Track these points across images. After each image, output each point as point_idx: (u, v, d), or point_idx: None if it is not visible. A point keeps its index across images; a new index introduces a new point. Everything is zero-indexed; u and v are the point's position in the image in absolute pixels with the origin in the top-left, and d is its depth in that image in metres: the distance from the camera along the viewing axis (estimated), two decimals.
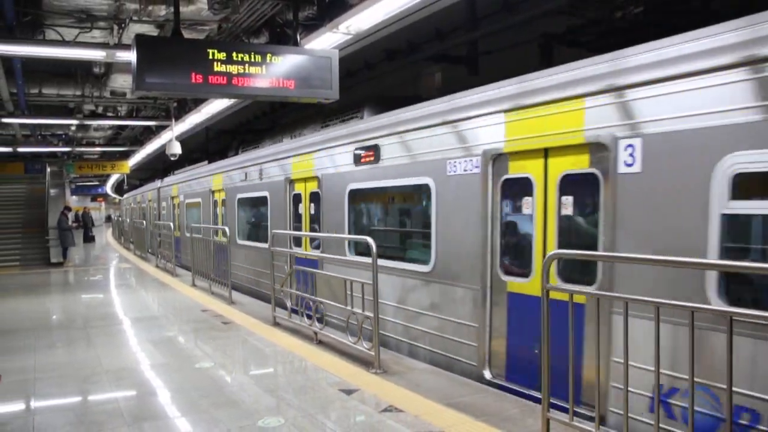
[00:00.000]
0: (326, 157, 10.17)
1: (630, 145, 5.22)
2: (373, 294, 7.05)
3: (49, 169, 26.05)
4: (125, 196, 43.98)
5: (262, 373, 7.37)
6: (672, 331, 4.76)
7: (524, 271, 6.53)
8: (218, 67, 6.98)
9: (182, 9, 7.96)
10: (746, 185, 4.44)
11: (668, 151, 4.91)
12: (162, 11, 8.52)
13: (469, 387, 6.42)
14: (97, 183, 51.73)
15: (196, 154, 24.27)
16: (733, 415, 3.98)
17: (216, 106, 13.03)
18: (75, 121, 17.36)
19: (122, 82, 12.73)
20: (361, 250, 9.28)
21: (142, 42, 6.68)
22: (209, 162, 18.79)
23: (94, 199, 66.53)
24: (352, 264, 9.08)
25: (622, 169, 5.28)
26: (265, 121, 19.84)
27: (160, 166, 34.44)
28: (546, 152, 6.11)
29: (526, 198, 6.38)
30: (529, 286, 6.42)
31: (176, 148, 15.94)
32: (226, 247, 12.41)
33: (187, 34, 8.46)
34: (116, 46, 8.96)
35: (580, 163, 5.77)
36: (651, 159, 5.06)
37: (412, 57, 11.70)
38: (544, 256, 6.07)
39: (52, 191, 25.45)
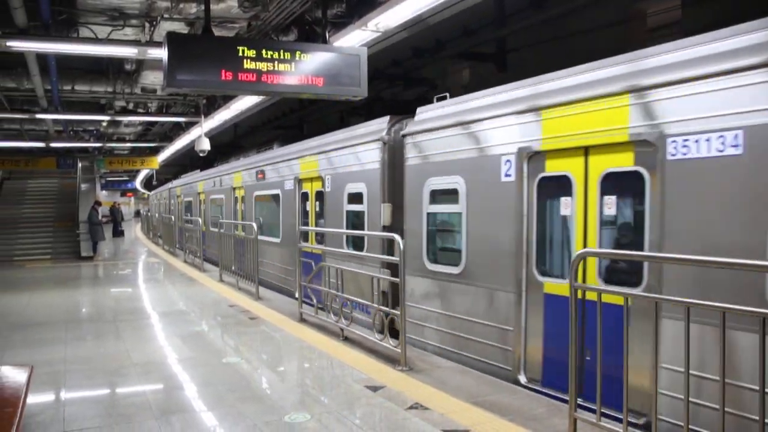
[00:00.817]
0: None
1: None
2: (401, 292, 7.06)
3: (80, 164, 26.40)
4: (153, 191, 44.45)
5: (288, 369, 7.42)
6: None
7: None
8: (248, 65, 7.01)
9: (213, 7, 8.02)
10: None
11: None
12: (193, 9, 8.59)
13: (496, 385, 6.40)
14: (126, 178, 52.24)
15: (224, 149, 24.46)
16: None
17: (245, 102, 13.10)
18: (106, 117, 17.58)
19: (153, 79, 12.86)
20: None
21: (173, 39, 6.73)
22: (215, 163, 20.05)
23: (123, 194, 67.27)
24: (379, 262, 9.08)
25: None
26: (293, 118, 19.92)
27: (188, 162, 34.77)
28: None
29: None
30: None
31: (205, 144, 16.08)
32: (252, 242, 12.48)
33: (217, 32, 8.51)
34: (148, 44, 9.04)
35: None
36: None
37: (440, 54, 11.68)
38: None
39: (83, 186, 25.80)
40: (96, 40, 9.22)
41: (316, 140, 12.13)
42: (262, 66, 7.09)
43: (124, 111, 17.23)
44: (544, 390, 6.34)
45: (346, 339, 8.41)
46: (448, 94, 8.23)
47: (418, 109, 8.65)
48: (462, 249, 7.62)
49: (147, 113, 17.69)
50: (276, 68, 7.17)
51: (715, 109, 4.75)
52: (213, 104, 15.35)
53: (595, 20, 9.19)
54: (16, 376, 5.33)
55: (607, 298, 4.93)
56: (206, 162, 24.27)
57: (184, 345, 8.46)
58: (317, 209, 11.95)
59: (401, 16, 7.25)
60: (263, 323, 9.79)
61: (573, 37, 9.44)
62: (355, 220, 10.38)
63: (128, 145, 25.70)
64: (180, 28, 9.37)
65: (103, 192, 47.37)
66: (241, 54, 6.99)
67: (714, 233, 4.75)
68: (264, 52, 7.10)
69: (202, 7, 7.82)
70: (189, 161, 33.66)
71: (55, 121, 18.21)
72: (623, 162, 5.62)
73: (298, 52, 7.30)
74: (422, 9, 7.00)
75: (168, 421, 5.51)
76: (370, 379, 6.63)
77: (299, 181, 12.71)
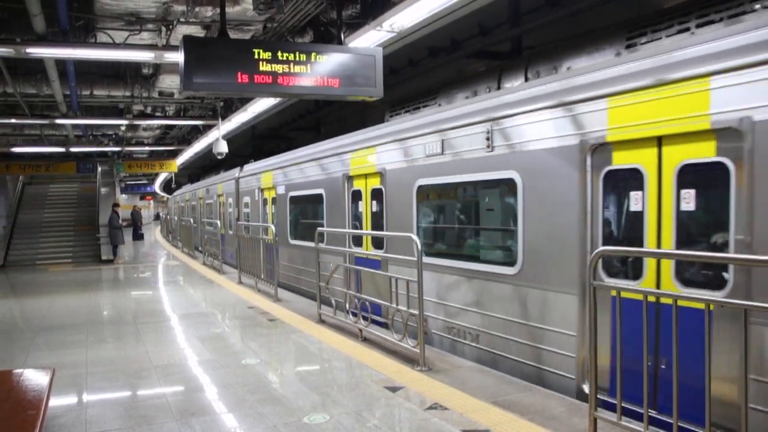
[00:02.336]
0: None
1: None
2: (418, 292, 7.04)
3: (99, 169, 26.65)
4: (173, 194, 44.71)
5: (307, 370, 7.43)
6: None
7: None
8: (264, 67, 7.03)
9: (228, 10, 8.05)
10: None
11: None
12: (208, 12, 8.62)
13: (515, 385, 6.37)
14: (145, 182, 52.64)
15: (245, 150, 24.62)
16: None
17: (262, 105, 13.14)
18: (125, 122, 17.70)
19: (170, 82, 12.91)
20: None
21: (189, 43, 6.77)
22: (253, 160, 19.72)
23: (142, 198, 67.72)
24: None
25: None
26: (309, 119, 19.97)
27: (207, 164, 34.97)
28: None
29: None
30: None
31: (223, 147, 16.14)
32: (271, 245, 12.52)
33: (233, 35, 8.55)
34: (164, 48, 9.09)
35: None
36: None
37: (456, 54, 11.64)
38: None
39: (103, 190, 26.05)
40: (113, 45, 9.29)
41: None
42: (278, 68, 7.11)
43: (142, 115, 17.35)
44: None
45: (365, 340, 8.42)
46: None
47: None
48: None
49: (165, 117, 17.80)
50: (292, 70, 7.19)
51: None
52: (230, 107, 15.42)
53: (610, 16, 9.12)
54: (39, 378, 5.39)
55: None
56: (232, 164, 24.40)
57: (204, 347, 8.50)
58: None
59: (416, 17, 7.24)
60: (282, 325, 9.82)
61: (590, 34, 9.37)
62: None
63: (147, 148, 25.87)
64: (196, 31, 9.40)
65: (123, 195, 47.74)
66: (256, 56, 7.01)
67: None
68: (279, 54, 7.13)
69: (218, 10, 7.85)
70: (208, 163, 33.89)
71: (74, 126, 18.36)
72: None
73: (313, 54, 7.31)
74: (437, 9, 6.98)
75: (188, 423, 5.54)
76: (389, 380, 6.63)
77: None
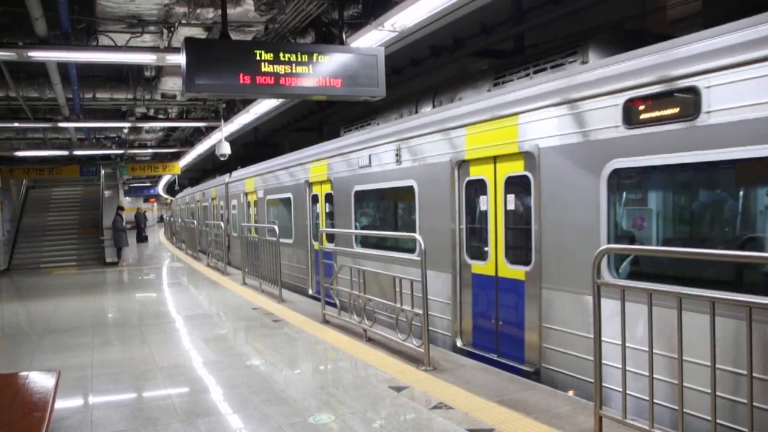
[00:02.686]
0: None
1: None
2: (422, 292, 7.05)
3: (103, 171, 26.66)
4: (176, 196, 44.80)
5: (312, 370, 7.43)
6: None
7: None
8: (266, 68, 7.03)
9: (229, 11, 8.04)
10: None
11: None
12: (210, 14, 8.62)
13: (520, 384, 6.37)
14: (149, 184, 52.65)
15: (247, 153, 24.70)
16: None
17: (264, 106, 13.15)
18: (127, 124, 17.74)
19: (172, 84, 12.92)
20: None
21: (191, 45, 6.77)
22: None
23: (146, 200, 67.80)
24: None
25: None
26: (312, 120, 19.98)
27: (210, 167, 35.02)
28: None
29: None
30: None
31: (225, 149, 16.17)
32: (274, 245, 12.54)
33: (234, 36, 8.56)
34: (166, 50, 9.10)
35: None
36: None
37: (458, 53, 11.63)
38: None
39: (106, 193, 26.08)
40: (115, 48, 9.30)
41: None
42: (280, 69, 7.10)
43: (145, 117, 17.37)
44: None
45: (370, 340, 8.42)
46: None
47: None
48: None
49: (167, 119, 17.81)
50: (294, 71, 7.18)
51: None
52: (232, 108, 15.43)
53: (613, 14, 9.11)
54: (44, 381, 5.40)
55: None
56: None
57: (209, 348, 8.51)
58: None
59: (418, 16, 7.24)
60: (287, 325, 9.83)
61: (592, 32, 9.36)
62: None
63: (150, 151, 25.90)
64: (198, 33, 9.41)
65: (127, 198, 47.80)
66: (258, 57, 7.01)
67: None
68: (281, 54, 7.12)
69: (219, 11, 7.86)
70: (211, 165, 33.93)
71: (77, 129, 18.39)
72: None
73: (315, 54, 7.30)
74: (438, 8, 6.98)
75: (193, 424, 5.55)
76: (394, 380, 6.63)
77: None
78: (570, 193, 6.24)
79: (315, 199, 13.48)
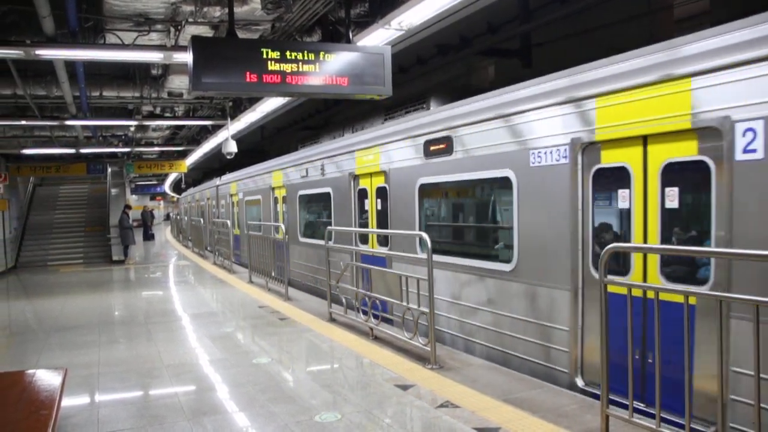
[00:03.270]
0: None
1: None
2: (429, 290, 7.04)
3: (109, 170, 26.70)
4: (183, 194, 44.87)
5: (318, 369, 7.44)
6: None
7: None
8: (272, 66, 7.02)
9: (236, 9, 8.04)
10: None
11: None
12: (217, 12, 8.62)
13: (527, 382, 6.36)
14: (155, 182, 52.75)
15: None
16: None
17: (270, 104, 13.15)
18: (134, 122, 17.74)
19: (179, 83, 12.92)
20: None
21: (197, 43, 6.77)
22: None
23: (153, 198, 67.91)
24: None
25: None
26: (319, 118, 19.97)
27: (216, 165, 35.05)
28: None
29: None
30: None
31: (232, 147, 16.16)
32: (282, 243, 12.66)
33: (241, 34, 8.54)
34: (173, 48, 9.09)
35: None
36: None
37: (465, 51, 11.62)
38: None
39: (113, 191, 26.12)
40: (122, 46, 9.30)
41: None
42: (287, 67, 7.09)
43: (152, 115, 17.37)
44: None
45: (376, 338, 8.42)
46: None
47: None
48: None
49: (174, 117, 17.81)
50: (300, 69, 7.17)
51: None
52: (239, 107, 15.42)
53: (620, 13, 9.08)
54: (51, 379, 5.41)
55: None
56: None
57: (215, 346, 8.52)
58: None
59: (424, 14, 7.22)
60: (293, 324, 9.83)
61: (598, 31, 9.34)
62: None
63: (156, 149, 25.89)
64: (205, 31, 9.41)
65: (133, 196, 47.88)
66: (265, 56, 7.00)
67: None
68: (288, 53, 7.11)
69: (226, 10, 7.85)
70: (218, 164, 33.97)
71: (84, 127, 18.39)
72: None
73: (322, 53, 7.29)
74: (445, 6, 6.96)
75: (200, 422, 5.55)
76: (401, 378, 6.63)
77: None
78: (405, 197, 9.68)
79: (276, 200, 17.29)
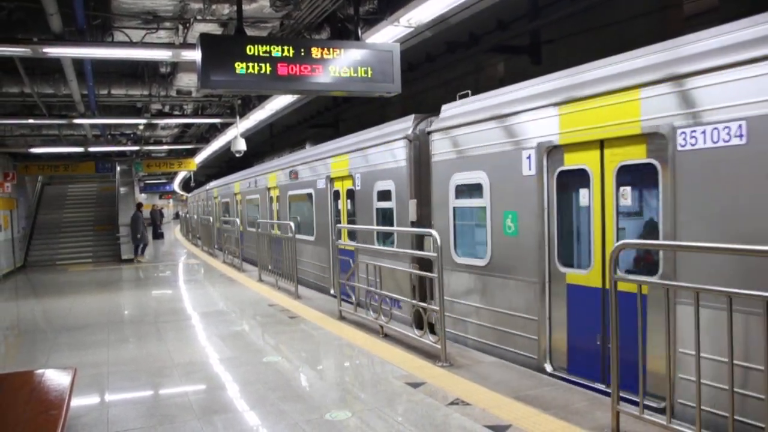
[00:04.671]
0: None
1: None
2: (439, 288, 7.01)
3: (118, 168, 26.74)
4: (191, 193, 44.99)
5: (328, 367, 7.41)
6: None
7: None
8: (281, 64, 6.99)
9: (245, 7, 8.02)
10: None
11: None
12: (225, 10, 8.60)
13: (537, 380, 6.32)
14: (164, 180, 52.82)
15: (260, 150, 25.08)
16: None
17: (279, 102, 13.13)
18: (143, 121, 17.74)
19: (188, 81, 12.91)
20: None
21: (206, 41, 6.74)
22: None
23: (162, 196, 68.05)
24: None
25: None
26: (328, 116, 19.96)
27: (224, 164, 35.14)
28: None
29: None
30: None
31: (241, 145, 16.14)
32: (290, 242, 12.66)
33: (249, 32, 8.51)
34: (181, 46, 9.07)
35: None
36: None
37: (474, 48, 11.56)
38: None
39: (122, 189, 26.16)
40: (130, 44, 9.29)
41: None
42: (295, 65, 7.07)
43: (160, 114, 17.38)
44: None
45: (386, 336, 8.39)
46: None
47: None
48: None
49: (183, 115, 17.82)
50: (309, 67, 7.14)
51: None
52: (248, 105, 15.42)
53: (630, 9, 9.02)
54: (61, 378, 5.40)
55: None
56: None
57: (225, 345, 8.51)
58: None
59: (433, 11, 7.17)
60: (303, 322, 9.81)
61: (608, 27, 9.28)
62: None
63: (165, 147, 25.91)
64: (213, 29, 9.39)
65: (142, 195, 47.98)
66: (273, 54, 6.97)
67: None
68: (297, 51, 7.08)
69: (235, 7, 7.83)
70: (227, 162, 34.03)
71: (92, 125, 18.40)
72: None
73: (331, 50, 7.26)
74: (454, 3, 6.91)
75: (210, 421, 5.54)
76: (411, 376, 6.60)
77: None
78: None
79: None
